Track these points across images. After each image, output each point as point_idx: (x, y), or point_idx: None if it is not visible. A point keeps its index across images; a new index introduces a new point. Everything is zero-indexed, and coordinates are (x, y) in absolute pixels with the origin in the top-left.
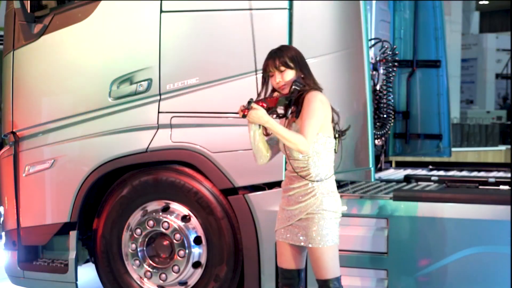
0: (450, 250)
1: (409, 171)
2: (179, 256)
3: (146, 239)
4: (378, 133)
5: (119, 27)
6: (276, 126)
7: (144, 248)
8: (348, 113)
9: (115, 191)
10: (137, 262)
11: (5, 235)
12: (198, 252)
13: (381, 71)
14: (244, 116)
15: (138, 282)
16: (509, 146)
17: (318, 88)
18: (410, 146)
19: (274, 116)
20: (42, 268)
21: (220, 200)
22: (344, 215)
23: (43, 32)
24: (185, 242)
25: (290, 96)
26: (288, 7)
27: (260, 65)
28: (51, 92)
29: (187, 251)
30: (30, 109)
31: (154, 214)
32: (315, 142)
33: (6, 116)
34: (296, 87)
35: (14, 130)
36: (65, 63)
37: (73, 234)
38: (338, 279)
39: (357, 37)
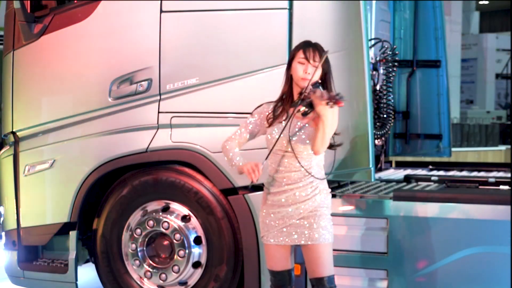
0: (450, 250)
1: (409, 171)
2: (179, 256)
3: (146, 239)
4: (378, 133)
5: (119, 27)
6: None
7: (144, 248)
8: (348, 113)
9: (115, 191)
10: (137, 262)
11: (5, 235)
12: (198, 252)
13: (381, 71)
14: (332, 105)
15: (138, 282)
16: (509, 146)
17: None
18: (410, 146)
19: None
20: (42, 268)
21: (220, 200)
22: (344, 215)
23: (43, 32)
24: (185, 242)
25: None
26: (288, 7)
27: (259, 65)
28: (51, 92)
29: (187, 251)
30: (30, 109)
31: (154, 214)
32: None
33: (6, 116)
34: (320, 89)
35: (14, 130)
36: (65, 63)
37: (73, 234)
38: (333, 277)
39: (357, 37)
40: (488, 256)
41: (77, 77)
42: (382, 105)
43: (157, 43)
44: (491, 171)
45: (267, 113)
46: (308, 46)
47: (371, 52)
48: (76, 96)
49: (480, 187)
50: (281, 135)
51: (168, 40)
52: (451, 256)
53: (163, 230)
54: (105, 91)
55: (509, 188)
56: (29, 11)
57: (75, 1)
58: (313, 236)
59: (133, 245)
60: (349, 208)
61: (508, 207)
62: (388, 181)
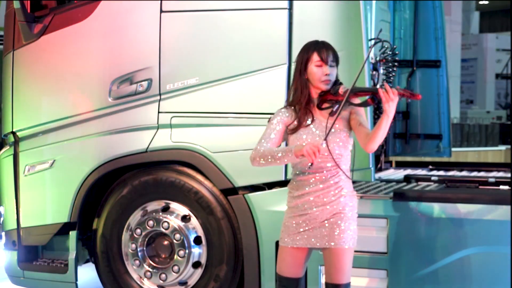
0: (450, 250)
1: (409, 171)
2: (179, 256)
3: (146, 239)
4: None
5: (119, 27)
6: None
7: (144, 248)
8: None
9: (115, 191)
10: (137, 262)
11: (5, 235)
12: (198, 252)
13: (381, 71)
14: (409, 100)
15: (138, 282)
16: (509, 146)
17: None
18: (410, 146)
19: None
20: (42, 268)
21: (220, 200)
22: None
23: (43, 32)
24: (185, 242)
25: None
26: (288, 7)
27: (259, 65)
28: (51, 92)
29: (187, 251)
30: (30, 109)
31: (154, 214)
32: (349, 142)
33: (6, 116)
34: (343, 89)
35: (14, 130)
36: (65, 63)
37: (73, 234)
38: (349, 285)
39: (357, 37)
40: (488, 256)
41: (77, 77)
42: (382, 105)
43: (157, 43)
44: (491, 171)
45: (288, 121)
46: (321, 47)
47: (371, 52)
48: (76, 96)
49: (480, 187)
50: (316, 138)
51: (168, 40)
52: (451, 256)
53: (163, 230)
54: (105, 91)
55: (509, 188)
56: (29, 11)
57: (75, 1)
58: (334, 239)
59: (133, 245)
60: None
61: (508, 207)
62: (388, 181)
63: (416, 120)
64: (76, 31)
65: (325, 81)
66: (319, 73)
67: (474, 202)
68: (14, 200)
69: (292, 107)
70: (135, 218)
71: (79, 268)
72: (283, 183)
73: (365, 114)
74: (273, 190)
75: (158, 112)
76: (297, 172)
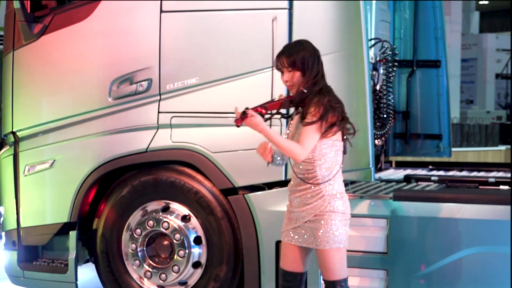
0: (450, 250)
1: (409, 171)
2: (179, 256)
3: (146, 239)
4: (378, 133)
5: (119, 27)
6: (271, 134)
7: (144, 248)
8: (348, 113)
9: (115, 191)
10: (137, 262)
11: (5, 235)
12: (198, 252)
13: (381, 71)
14: (237, 126)
15: (138, 282)
16: (509, 146)
17: (326, 93)
18: (410, 146)
19: (279, 117)
20: (42, 268)
21: (220, 200)
22: None
23: (43, 32)
24: (185, 242)
25: (295, 98)
26: (288, 7)
27: (259, 65)
28: (51, 92)
29: (187, 251)
30: (30, 109)
31: (154, 214)
32: (322, 145)
33: (6, 116)
34: (302, 90)
35: (14, 130)
36: (65, 63)
37: (73, 234)
38: (345, 281)
39: (357, 37)
40: (488, 256)
41: (77, 77)
42: (382, 105)
43: (157, 43)
44: (491, 171)
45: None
46: (277, 56)
47: (371, 52)
48: (76, 96)
49: (480, 187)
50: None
51: (168, 40)
52: (451, 256)
53: (163, 230)
54: (105, 91)
55: (509, 188)
56: (29, 11)
57: (75, 1)
58: (317, 241)
59: (133, 245)
60: None
61: (508, 207)
62: (388, 181)
63: (416, 120)
64: (76, 31)
65: (288, 87)
66: (282, 79)
67: (474, 202)
68: (14, 200)
69: None
70: (135, 218)
71: (79, 268)
72: (283, 183)
73: (309, 127)
74: (273, 190)
75: (158, 112)
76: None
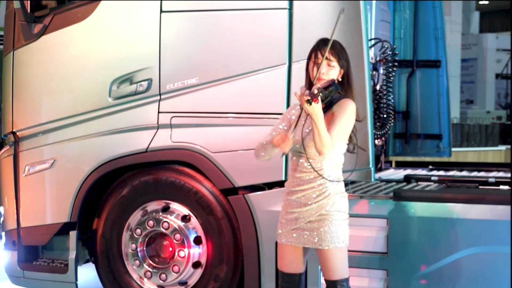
0: (450, 250)
1: (409, 171)
2: (179, 256)
3: (146, 239)
4: (378, 133)
5: (119, 27)
6: (322, 121)
7: (144, 248)
8: None
9: (115, 191)
10: (137, 262)
11: (5, 235)
12: (198, 252)
13: (381, 71)
14: (309, 102)
15: (138, 282)
16: (509, 146)
17: (353, 97)
18: (410, 146)
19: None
20: (42, 268)
21: (220, 200)
22: None
23: (43, 32)
24: (185, 242)
25: (328, 94)
26: (288, 7)
27: (259, 65)
28: (51, 92)
29: (187, 251)
30: (30, 109)
31: (154, 214)
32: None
33: (6, 116)
34: (335, 89)
35: (14, 130)
36: (65, 63)
37: (73, 234)
38: (346, 280)
39: (357, 37)
40: (488, 256)
41: (77, 77)
42: (382, 105)
43: (157, 43)
44: (491, 171)
45: (290, 116)
46: (318, 46)
47: (371, 52)
48: (76, 96)
49: (480, 187)
50: (296, 137)
51: (168, 40)
52: (451, 256)
53: (163, 230)
54: (105, 91)
55: (509, 188)
56: (29, 11)
57: (75, 1)
58: (320, 241)
59: (133, 245)
60: (349, 208)
61: (508, 207)
62: (388, 181)
63: (416, 120)
64: (76, 31)
65: (318, 79)
66: (314, 71)
67: (474, 202)
68: (14, 200)
69: None
70: (135, 218)
71: (79, 268)
72: (283, 183)
73: (342, 126)
74: (273, 190)
75: (158, 112)
76: (291, 170)
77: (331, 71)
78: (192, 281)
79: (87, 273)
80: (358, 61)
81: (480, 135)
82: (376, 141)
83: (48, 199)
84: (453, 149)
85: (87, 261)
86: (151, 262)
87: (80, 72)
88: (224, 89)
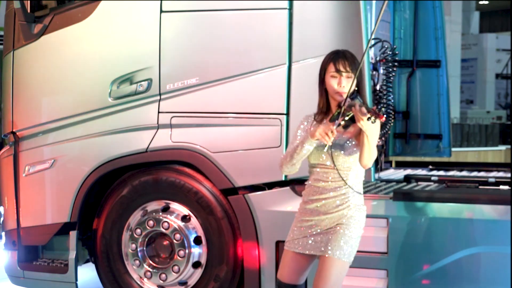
0: (450, 250)
1: (409, 171)
2: (179, 256)
3: (146, 239)
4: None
5: (119, 27)
6: (375, 137)
7: (144, 248)
8: None
9: (115, 191)
10: (137, 262)
11: (5, 235)
12: (198, 252)
13: (381, 71)
14: (373, 121)
15: (138, 282)
16: (509, 146)
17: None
18: (410, 146)
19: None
20: (42, 268)
21: (220, 200)
22: None
23: (43, 32)
24: (185, 242)
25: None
26: (288, 7)
27: (259, 65)
28: (51, 92)
29: (187, 251)
30: (30, 109)
31: (154, 214)
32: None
33: (6, 116)
34: (358, 100)
35: (14, 130)
36: (65, 63)
37: (73, 234)
38: None
39: (357, 37)
40: (488, 256)
41: (77, 77)
42: (382, 105)
43: (157, 43)
44: (491, 171)
45: (309, 128)
46: (338, 58)
47: (371, 52)
48: (76, 96)
49: (480, 187)
50: (324, 149)
51: (168, 40)
52: (451, 256)
53: (163, 230)
54: (105, 91)
55: (509, 188)
56: (29, 11)
57: (75, 1)
58: (325, 248)
59: (133, 245)
60: None
61: (508, 207)
62: (388, 181)
63: (416, 120)
64: (76, 31)
65: (339, 93)
66: (333, 84)
67: (474, 202)
68: (14, 200)
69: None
70: (135, 218)
71: (79, 268)
72: (283, 183)
73: (375, 141)
74: (273, 190)
75: (158, 112)
76: (310, 178)
77: (349, 83)
78: (192, 281)
79: (87, 273)
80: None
81: (480, 135)
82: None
83: (48, 199)
84: (453, 149)
85: (87, 261)
86: (151, 262)
87: (80, 72)
88: (224, 89)
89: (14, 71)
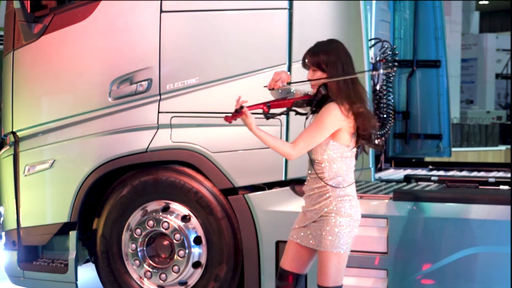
0: (450, 250)
1: (409, 171)
2: (179, 256)
3: (146, 239)
4: (378, 133)
5: (119, 27)
6: (262, 136)
7: (144, 248)
8: None
9: (115, 191)
10: (137, 262)
11: (5, 235)
12: (198, 252)
13: (381, 71)
14: (229, 122)
15: (138, 282)
16: (509, 146)
17: (344, 99)
18: (410, 146)
19: (294, 114)
20: (42, 268)
21: (220, 200)
22: None
23: (43, 32)
24: (185, 242)
25: (313, 98)
26: (288, 7)
27: (259, 65)
28: (51, 92)
29: (187, 251)
30: (30, 109)
31: (154, 214)
32: (328, 149)
33: (6, 116)
34: (321, 92)
35: (14, 130)
36: (65, 63)
37: (73, 234)
38: None
39: (357, 37)
40: (488, 256)
41: (77, 77)
42: (382, 105)
43: (157, 43)
44: (491, 171)
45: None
46: (305, 53)
47: (371, 52)
48: (76, 96)
49: (480, 187)
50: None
51: (168, 40)
52: (451, 256)
53: (163, 230)
54: (105, 91)
55: (509, 188)
56: (29, 11)
57: (75, 1)
58: (320, 241)
59: (133, 245)
60: None
61: (508, 207)
62: (388, 181)
63: (416, 120)
64: (76, 31)
65: (311, 85)
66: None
67: (474, 202)
68: (14, 200)
69: None
70: (135, 218)
71: (79, 268)
72: (283, 183)
73: (310, 129)
74: (273, 190)
75: (158, 112)
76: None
77: (316, 76)
78: (192, 281)
79: (87, 273)
80: (358, 61)
81: (480, 135)
82: (376, 141)
83: (48, 199)
84: (453, 149)
85: (87, 261)
86: (151, 262)
87: (80, 72)
88: (224, 89)
89: (14, 71)
